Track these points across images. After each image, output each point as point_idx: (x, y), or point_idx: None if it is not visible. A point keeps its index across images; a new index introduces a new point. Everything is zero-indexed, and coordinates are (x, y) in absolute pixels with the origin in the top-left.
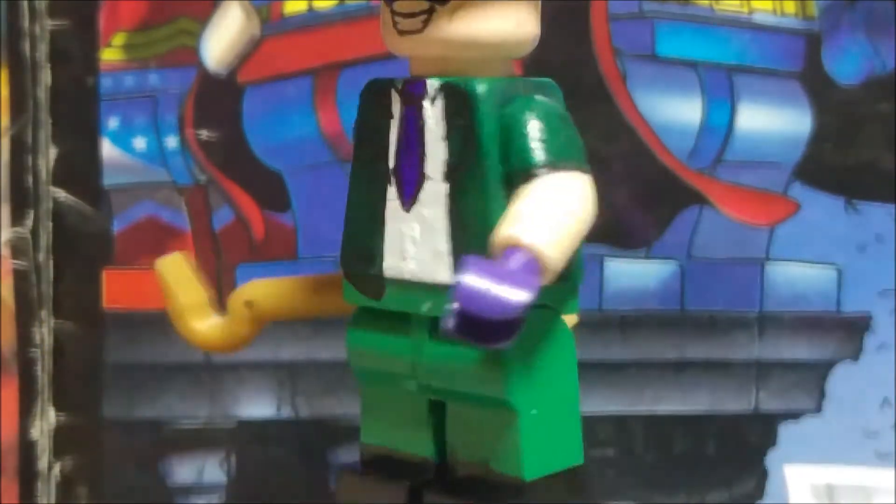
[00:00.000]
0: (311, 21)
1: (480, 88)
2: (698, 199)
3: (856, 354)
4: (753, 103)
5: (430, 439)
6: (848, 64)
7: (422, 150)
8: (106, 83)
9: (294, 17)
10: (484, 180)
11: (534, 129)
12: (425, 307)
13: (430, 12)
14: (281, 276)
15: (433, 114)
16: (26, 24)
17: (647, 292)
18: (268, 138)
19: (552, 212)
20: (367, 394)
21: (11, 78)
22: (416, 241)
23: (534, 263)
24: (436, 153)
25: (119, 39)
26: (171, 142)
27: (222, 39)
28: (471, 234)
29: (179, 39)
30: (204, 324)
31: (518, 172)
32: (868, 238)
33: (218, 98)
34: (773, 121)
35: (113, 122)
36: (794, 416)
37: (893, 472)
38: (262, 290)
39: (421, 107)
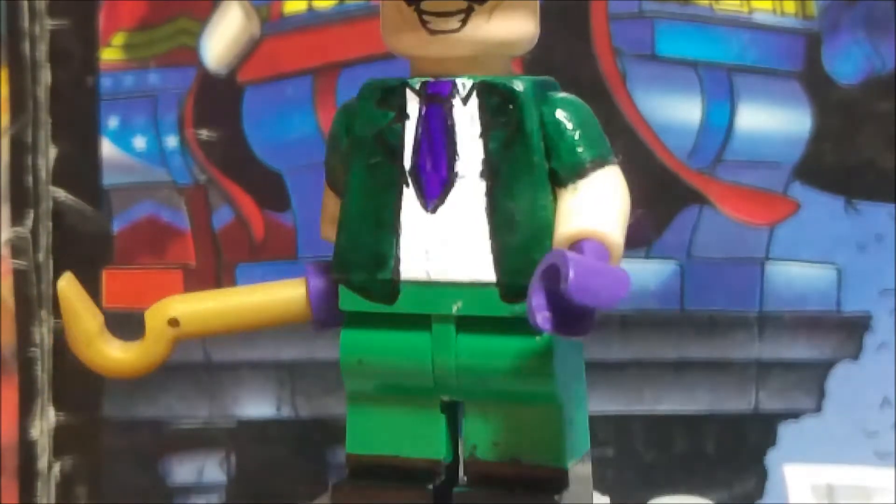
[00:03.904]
0: (311, 21)
1: (524, 87)
2: (698, 198)
3: (856, 354)
4: (753, 103)
5: (443, 441)
6: (848, 64)
7: (452, 150)
8: (106, 83)
9: (294, 16)
10: (533, 176)
11: (578, 126)
12: (454, 307)
13: (468, 12)
14: (207, 291)
15: (466, 113)
16: (26, 24)
17: (646, 292)
18: (268, 138)
19: (617, 206)
20: (359, 402)
21: (11, 78)
22: (443, 242)
23: (607, 254)
24: (471, 152)
25: (119, 39)
26: (171, 142)
27: (222, 39)
28: (518, 229)
29: (179, 39)
30: (116, 348)
31: (570, 168)
32: (868, 238)
33: (218, 98)
34: (773, 121)
35: (113, 122)
36: (794, 415)
37: (893, 472)
38: (188, 307)
39: (449, 106)
